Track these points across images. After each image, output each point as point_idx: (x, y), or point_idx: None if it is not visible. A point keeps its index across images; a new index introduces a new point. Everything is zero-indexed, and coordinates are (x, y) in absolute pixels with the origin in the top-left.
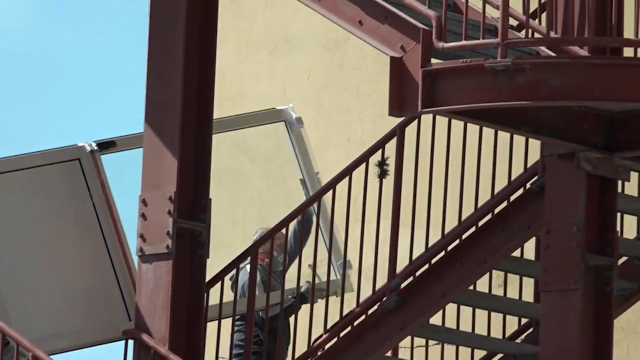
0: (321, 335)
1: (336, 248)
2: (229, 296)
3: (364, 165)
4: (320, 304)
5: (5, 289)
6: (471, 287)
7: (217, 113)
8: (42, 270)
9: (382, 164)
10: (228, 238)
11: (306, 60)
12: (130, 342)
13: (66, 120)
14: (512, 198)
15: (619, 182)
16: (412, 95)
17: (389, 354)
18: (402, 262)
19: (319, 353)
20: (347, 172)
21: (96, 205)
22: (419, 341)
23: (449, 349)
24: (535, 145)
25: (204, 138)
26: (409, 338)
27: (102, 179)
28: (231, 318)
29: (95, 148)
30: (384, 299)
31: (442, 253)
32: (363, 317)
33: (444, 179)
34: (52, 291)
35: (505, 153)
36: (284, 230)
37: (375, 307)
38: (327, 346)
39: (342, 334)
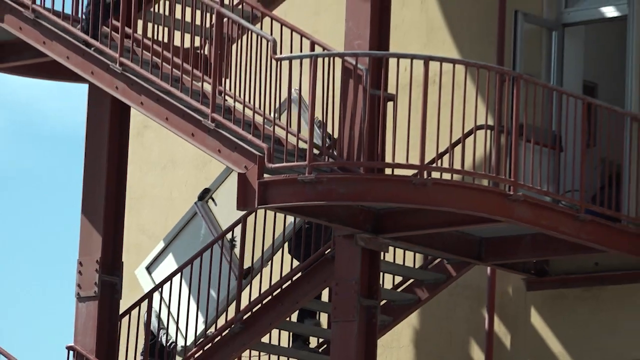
0: (199, 345)
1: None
2: (134, 328)
3: (221, 241)
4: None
5: None
6: (288, 319)
7: (127, 210)
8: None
9: (231, 240)
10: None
11: (185, 174)
12: (72, 353)
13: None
14: (315, 263)
15: (382, 253)
16: (252, 197)
17: None
18: (244, 302)
19: (195, 355)
20: (211, 244)
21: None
22: (255, 353)
23: (273, 357)
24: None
25: (119, 224)
26: (248, 351)
27: (206, 220)
28: None
29: (197, 200)
30: (232, 325)
31: (270, 297)
32: (219, 337)
33: (271, 252)
34: None
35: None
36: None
37: (227, 331)
38: (196, 355)
39: (205, 348)
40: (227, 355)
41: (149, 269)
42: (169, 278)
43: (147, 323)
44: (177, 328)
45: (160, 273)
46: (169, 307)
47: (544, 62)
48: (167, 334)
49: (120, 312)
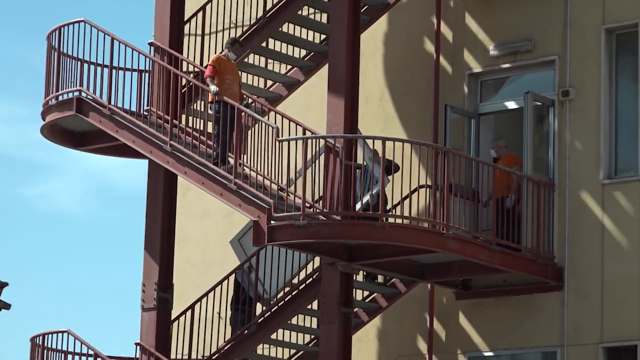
0: (227, 341)
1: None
2: (182, 329)
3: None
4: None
5: None
6: (290, 321)
7: (176, 247)
8: None
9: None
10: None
11: (216, 222)
12: (138, 348)
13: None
14: (308, 282)
15: (354, 275)
16: (263, 237)
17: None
18: (259, 309)
19: (225, 348)
20: (236, 270)
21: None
22: (266, 347)
23: (279, 350)
24: (317, 258)
25: (170, 257)
26: (261, 346)
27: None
28: None
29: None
30: (250, 327)
31: (276, 307)
32: (241, 335)
33: (284, 275)
34: None
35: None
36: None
37: (246, 331)
38: (227, 346)
39: (233, 341)
40: (246, 348)
41: (240, 240)
42: (258, 251)
43: (238, 280)
44: (263, 286)
45: (247, 244)
46: (256, 271)
47: (465, 141)
48: (262, 289)
49: (172, 318)
